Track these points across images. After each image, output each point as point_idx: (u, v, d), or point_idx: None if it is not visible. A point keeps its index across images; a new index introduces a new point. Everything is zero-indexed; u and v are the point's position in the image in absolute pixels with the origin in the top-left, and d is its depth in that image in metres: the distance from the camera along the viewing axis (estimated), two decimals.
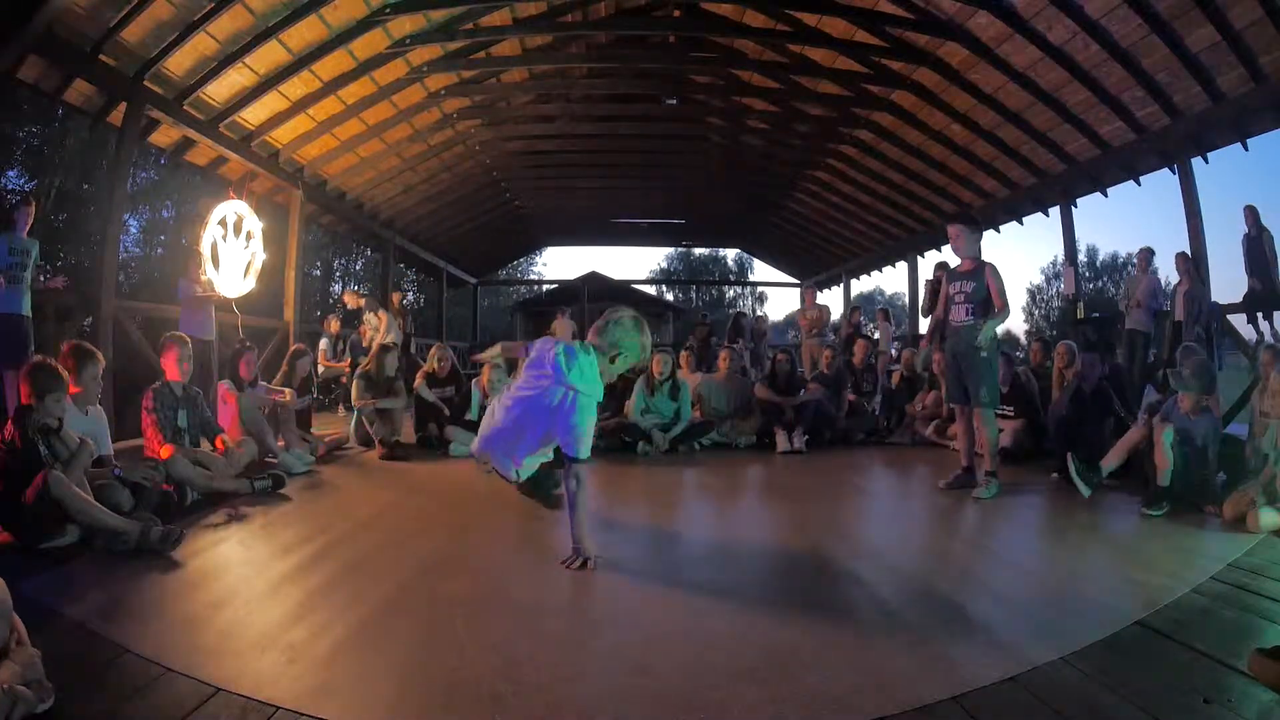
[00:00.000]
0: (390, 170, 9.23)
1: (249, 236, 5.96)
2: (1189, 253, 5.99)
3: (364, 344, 7.73)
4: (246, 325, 6.18)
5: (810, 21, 6.97)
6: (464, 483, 3.95)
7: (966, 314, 3.71)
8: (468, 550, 2.69)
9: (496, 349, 3.40)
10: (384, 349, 5.54)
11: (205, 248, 5.55)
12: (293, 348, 5.59)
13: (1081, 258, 30.40)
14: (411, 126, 8.29)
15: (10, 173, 16.29)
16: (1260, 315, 5.80)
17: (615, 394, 5.48)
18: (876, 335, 9.33)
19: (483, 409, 4.95)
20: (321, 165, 8.10)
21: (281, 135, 7.11)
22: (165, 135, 6.25)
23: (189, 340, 3.88)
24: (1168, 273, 8.84)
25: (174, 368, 3.70)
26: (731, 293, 40.61)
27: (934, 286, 7.31)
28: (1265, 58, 5.00)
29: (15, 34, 4.11)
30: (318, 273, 25.89)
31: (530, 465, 2.78)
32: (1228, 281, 6.49)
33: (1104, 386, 4.39)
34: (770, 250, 17.04)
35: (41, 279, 4.59)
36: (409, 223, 11.23)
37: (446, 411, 5.22)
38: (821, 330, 8.79)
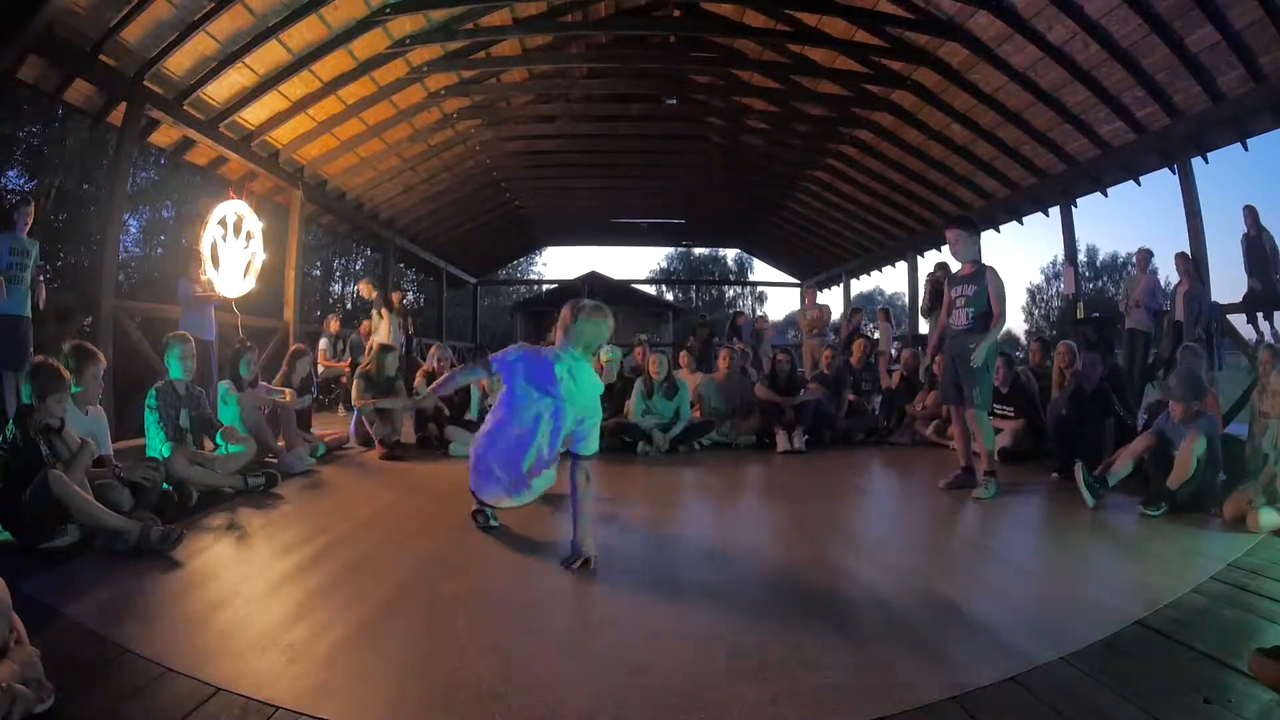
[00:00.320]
0: (390, 170, 9.23)
1: (249, 236, 5.97)
2: (1189, 253, 5.99)
3: (364, 342, 7.72)
4: (246, 325, 6.18)
5: (810, 21, 6.96)
6: (464, 483, 3.92)
7: (966, 318, 3.71)
8: (468, 550, 2.69)
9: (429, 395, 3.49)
10: (384, 349, 5.54)
11: (205, 248, 5.55)
12: (293, 348, 5.59)
13: (1081, 258, 30.40)
14: (411, 126, 8.29)
15: (10, 173, 16.30)
16: (1260, 315, 5.80)
17: (615, 394, 5.49)
18: (877, 335, 9.32)
19: (483, 410, 4.97)
20: (321, 165, 8.09)
21: (281, 135, 7.11)
22: (165, 135, 6.25)
23: (192, 339, 3.89)
24: (1168, 273, 8.85)
25: (176, 367, 3.70)
26: (731, 293, 40.61)
27: (934, 286, 7.32)
28: (1265, 58, 4.99)
29: (15, 34, 4.11)
30: (318, 273, 25.89)
31: (540, 485, 2.78)
32: (1228, 281, 6.50)
33: (1104, 386, 4.39)
34: (770, 250, 17.03)
35: (41, 279, 4.58)
36: (409, 223, 11.23)
37: (446, 411, 5.22)
38: (822, 330, 8.79)
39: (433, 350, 5.69)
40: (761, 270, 40.52)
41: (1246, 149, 5.82)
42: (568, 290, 21.82)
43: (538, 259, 35.10)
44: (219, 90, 5.98)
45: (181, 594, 2.20)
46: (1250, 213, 5.82)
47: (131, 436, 4.52)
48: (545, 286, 27.45)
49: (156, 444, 3.50)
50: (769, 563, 2.66)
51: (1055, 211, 8.00)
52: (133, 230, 18.61)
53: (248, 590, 2.21)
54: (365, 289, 7.65)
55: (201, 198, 12.32)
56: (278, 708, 1.48)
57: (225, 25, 5.27)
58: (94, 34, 4.73)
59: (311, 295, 23.28)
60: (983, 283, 3.64)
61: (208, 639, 1.83)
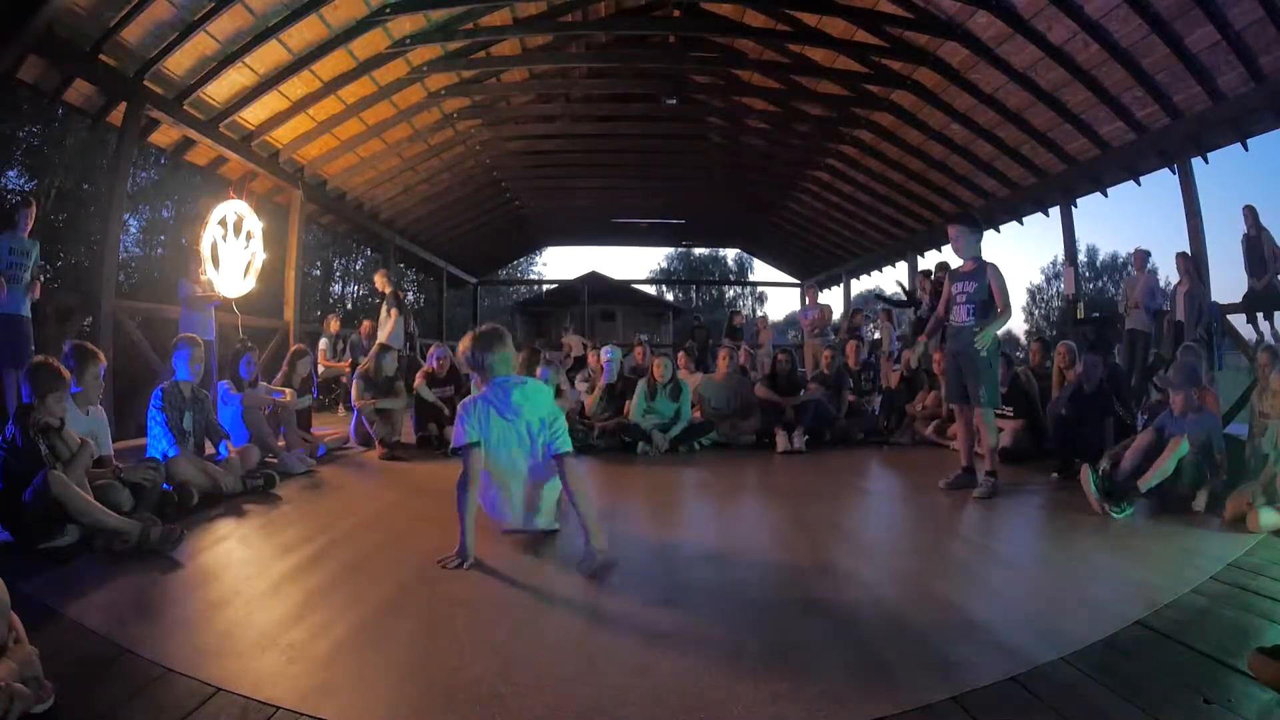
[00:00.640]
0: (390, 170, 9.23)
1: (249, 236, 5.97)
2: (1189, 253, 5.99)
3: (364, 342, 7.71)
4: (246, 325, 6.18)
5: (810, 21, 6.97)
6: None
7: (967, 315, 3.70)
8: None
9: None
10: (382, 349, 5.54)
11: (205, 248, 5.55)
12: (293, 348, 5.59)
13: (1081, 258, 30.43)
14: (411, 126, 8.29)
15: (10, 173, 16.28)
16: (1260, 315, 5.80)
17: (615, 394, 5.50)
18: (877, 335, 9.32)
19: None
20: (321, 165, 8.10)
21: (281, 135, 7.11)
22: (165, 135, 6.25)
23: (201, 341, 3.89)
24: (1168, 273, 8.85)
25: (185, 369, 3.70)
26: (731, 293, 40.62)
27: (936, 287, 7.31)
28: (1265, 58, 5.00)
29: (15, 34, 4.11)
30: (318, 273, 25.86)
31: (550, 497, 2.77)
32: (1228, 281, 6.50)
33: (1104, 387, 4.39)
34: (770, 250, 17.03)
35: (41, 278, 4.58)
36: (409, 223, 11.23)
37: (446, 411, 5.22)
38: (823, 330, 8.79)
39: (432, 350, 5.69)
40: (761, 270, 40.57)
41: (1246, 149, 5.84)
42: (568, 290, 21.84)
43: (538, 259, 35.14)
44: (219, 90, 5.98)
45: (181, 594, 2.20)
46: (1250, 213, 5.82)
47: (131, 436, 4.52)
48: (545, 286, 27.48)
49: (160, 445, 3.50)
50: (769, 563, 2.66)
51: (1055, 211, 8.00)
52: (133, 230, 18.59)
53: (248, 590, 2.21)
54: (380, 281, 7.57)
55: (201, 198, 12.31)
56: (278, 708, 1.48)
57: (225, 25, 5.27)
58: (94, 34, 4.74)
59: (311, 295, 23.27)
60: (984, 279, 3.64)
61: (208, 639, 1.83)
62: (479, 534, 2.49)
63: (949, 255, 9.82)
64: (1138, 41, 5.40)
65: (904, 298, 8.47)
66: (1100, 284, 36.35)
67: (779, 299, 60.21)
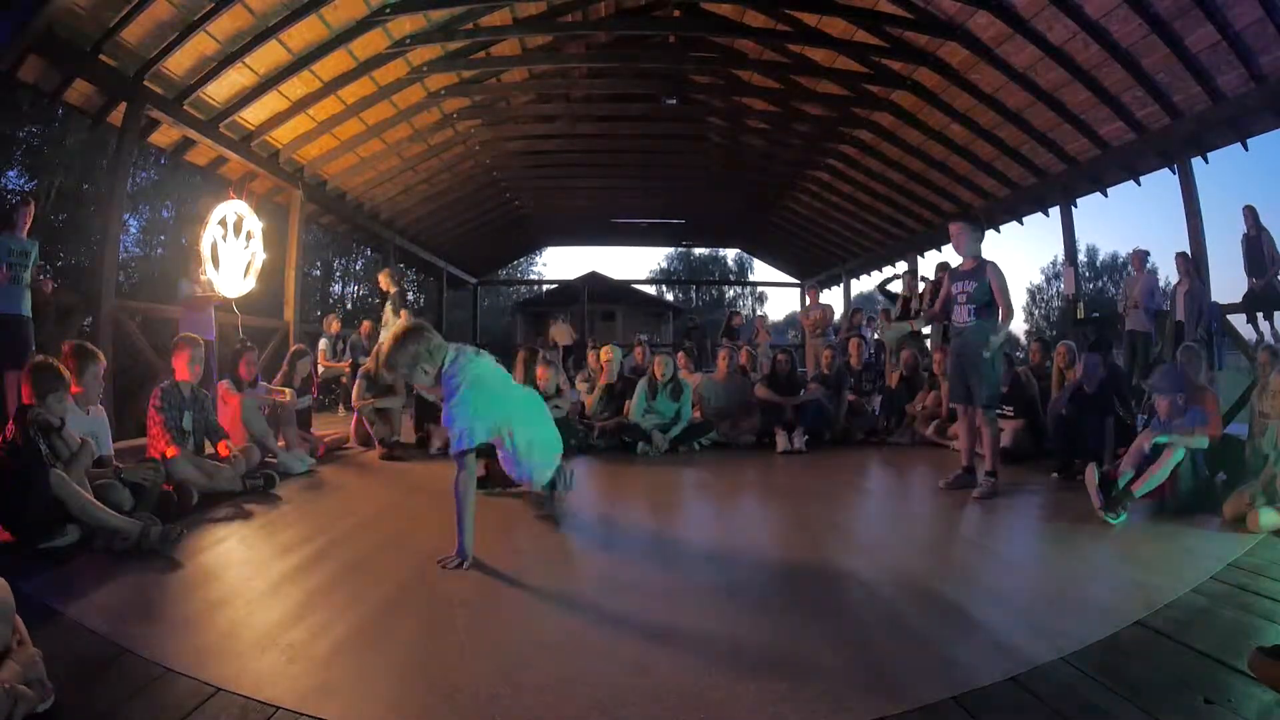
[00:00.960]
0: (390, 170, 9.23)
1: (249, 236, 5.97)
2: (1189, 253, 5.99)
3: (364, 342, 7.71)
4: (246, 325, 6.18)
5: (810, 21, 6.96)
6: None
7: (968, 314, 3.70)
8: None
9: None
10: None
11: (205, 248, 5.55)
12: (293, 348, 5.59)
13: (1081, 258, 30.41)
14: (411, 126, 8.29)
15: (10, 173, 16.29)
16: (1260, 315, 5.80)
17: (615, 394, 5.50)
18: (877, 335, 9.32)
19: None
20: (321, 165, 8.09)
21: (281, 135, 7.11)
22: (165, 135, 6.24)
23: (201, 342, 3.88)
24: (1168, 272, 8.85)
25: (184, 369, 3.70)
26: (731, 293, 40.62)
27: (935, 288, 7.31)
28: (1265, 58, 5.00)
29: (15, 34, 4.11)
30: (318, 273, 25.86)
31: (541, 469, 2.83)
32: (1228, 281, 6.50)
33: (1104, 387, 4.38)
34: (770, 250, 17.04)
35: (41, 277, 4.58)
36: (409, 223, 11.23)
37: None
38: (825, 330, 8.78)
39: None
40: (761, 270, 40.54)
41: (1246, 149, 5.83)
42: (568, 290, 21.84)
43: (538, 259, 35.15)
44: (219, 90, 5.98)
45: (181, 594, 2.20)
46: (1250, 213, 5.83)
47: (131, 436, 4.52)
48: (545, 286, 27.48)
49: (159, 444, 3.50)
50: (769, 563, 2.66)
51: (1055, 211, 8.00)
52: (133, 230, 18.59)
53: (248, 590, 2.21)
54: (385, 281, 7.55)
55: (201, 198, 12.30)
56: (278, 708, 1.48)
57: (225, 25, 5.27)
58: (94, 34, 4.73)
59: (311, 295, 23.26)
60: (984, 278, 3.63)
61: (208, 639, 1.83)
62: (478, 534, 2.48)
63: (949, 255, 9.82)
64: (1138, 41, 5.40)
65: (894, 291, 8.42)
66: (1100, 284, 36.35)
67: (779, 299, 60.15)
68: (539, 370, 4.85)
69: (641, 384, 5.32)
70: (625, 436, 5.12)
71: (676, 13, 7.71)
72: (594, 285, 20.41)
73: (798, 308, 17.98)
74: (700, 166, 11.61)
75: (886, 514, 3.71)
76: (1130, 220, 64.01)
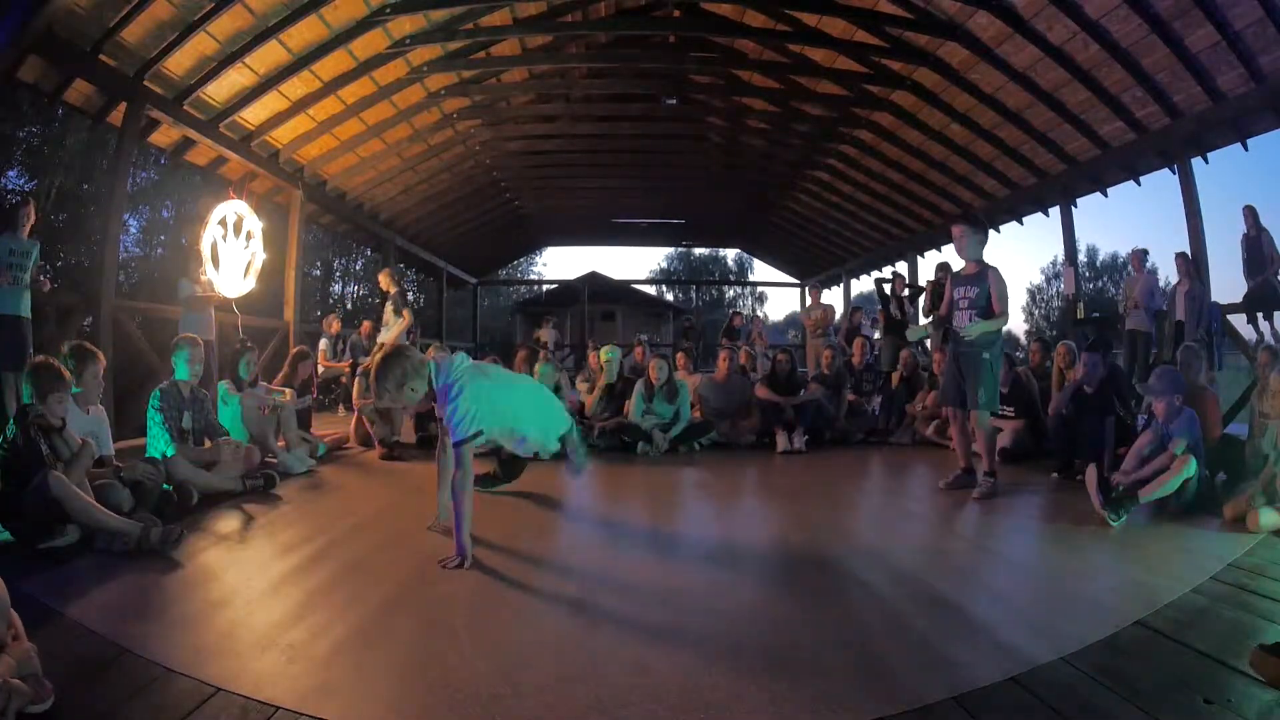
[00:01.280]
0: (390, 170, 9.23)
1: (249, 236, 5.96)
2: (1189, 253, 5.99)
3: (364, 342, 7.71)
4: (246, 325, 6.17)
5: (810, 21, 6.97)
6: None
7: (969, 319, 3.69)
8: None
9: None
10: (383, 349, 5.53)
11: (205, 248, 5.55)
12: (296, 349, 5.59)
13: (1081, 258, 30.42)
14: (411, 126, 8.29)
15: (10, 173, 16.29)
16: (1260, 315, 5.80)
17: (615, 394, 5.50)
18: (877, 335, 9.32)
19: None
20: (321, 165, 8.09)
21: (281, 135, 7.11)
22: (165, 135, 6.25)
23: (200, 341, 3.88)
24: (1167, 272, 8.85)
25: (184, 368, 3.70)
26: (731, 293, 40.62)
27: (936, 288, 7.31)
28: (1265, 58, 5.00)
29: (15, 34, 4.11)
30: (318, 273, 25.89)
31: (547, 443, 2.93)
32: (1228, 281, 6.50)
33: (1105, 387, 4.38)
34: (770, 250, 17.04)
35: (41, 277, 4.59)
36: (409, 223, 11.23)
37: None
38: (826, 330, 8.78)
39: (430, 350, 5.69)
40: (761, 270, 40.56)
41: (1246, 149, 5.83)
42: (568, 290, 21.84)
43: (538, 259, 35.18)
44: (219, 90, 5.98)
45: (181, 594, 2.20)
46: (1250, 213, 5.83)
47: (131, 436, 4.52)
48: (545, 286, 27.48)
49: (159, 444, 3.50)
50: (769, 563, 2.66)
51: (1055, 211, 8.00)
52: (133, 230, 18.61)
53: (248, 590, 2.21)
54: (385, 281, 7.55)
55: (201, 198, 12.31)
56: (278, 708, 1.48)
57: (225, 25, 5.27)
58: (94, 34, 4.73)
59: (311, 295, 23.29)
60: (985, 284, 3.62)
61: (208, 639, 1.83)
62: (478, 534, 2.48)
63: (949, 255, 9.83)
64: (1138, 41, 5.40)
65: (887, 292, 8.39)
66: (1100, 284, 36.37)
67: (779, 299, 60.24)
68: (537, 369, 4.85)
69: (639, 385, 5.32)
70: (625, 436, 5.12)
71: (676, 13, 7.71)
72: (594, 285, 20.39)
73: (798, 308, 17.99)
74: (700, 166, 11.61)
75: (886, 514, 3.71)
76: (1130, 220, 64.11)
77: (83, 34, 4.68)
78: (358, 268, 27.87)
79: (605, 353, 5.71)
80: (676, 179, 12.28)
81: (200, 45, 5.35)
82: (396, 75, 7.07)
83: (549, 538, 2.80)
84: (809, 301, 9.42)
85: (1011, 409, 5.01)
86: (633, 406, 5.27)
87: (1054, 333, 25.98)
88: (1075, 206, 7.81)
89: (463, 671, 1.65)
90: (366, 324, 8.10)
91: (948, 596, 2.19)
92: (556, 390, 4.93)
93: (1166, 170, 6.42)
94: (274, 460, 4.15)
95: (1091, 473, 3.29)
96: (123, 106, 5.35)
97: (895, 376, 6.20)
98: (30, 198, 6.07)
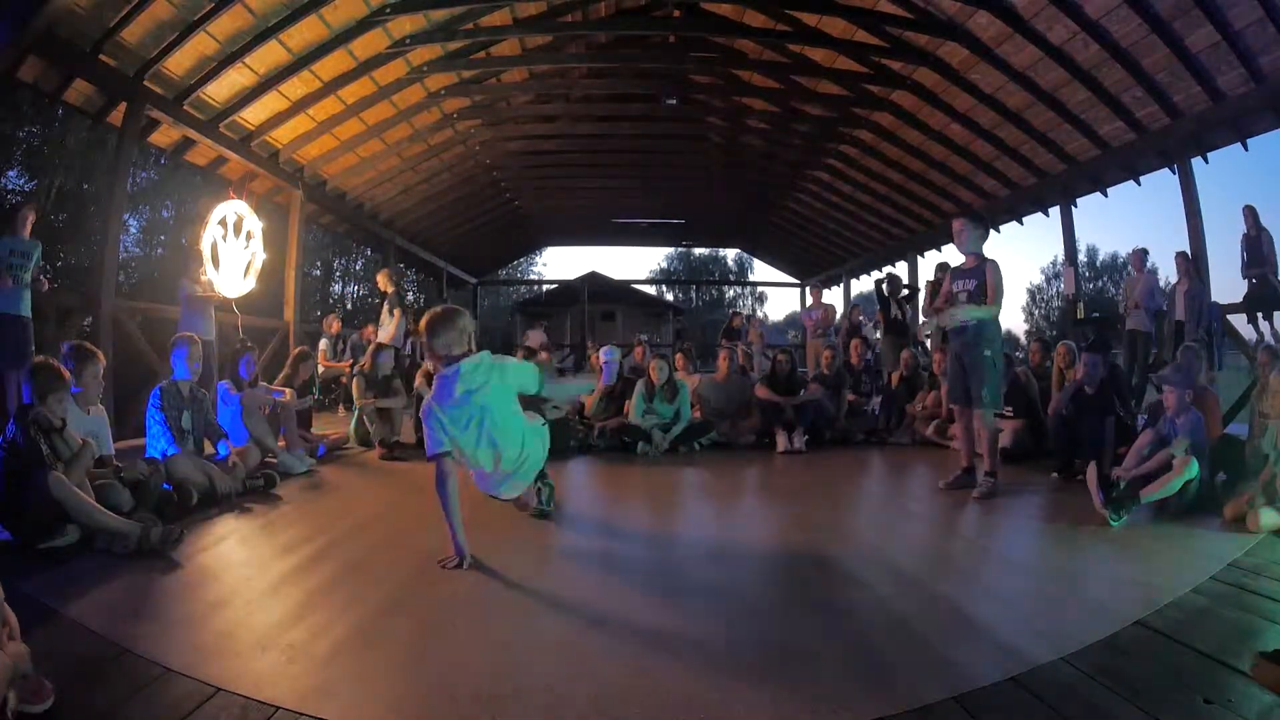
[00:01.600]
0: (390, 170, 9.23)
1: (249, 236, 5.96)
2: (1189, 253, 5.99)
3: (365, 343, 7.71)
4: (246, 325, 6.17)
5: (810, 21, 6.97)
6: (463, 482, 3.94)
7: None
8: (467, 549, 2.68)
9: None
10: (379, 348, 5.54)
11: (205, 248, 5.55)
12: (297, 350, 5.59)
13: (1081, 258, 30.43)
14: (411, 126, 8.30)
15: (10, 173, 16.31)
16: (1260, 315, 5.80)
17: (615, 394, 5.50)
18: (877, 335, 9.31)
19: None
20: (321, 165, 8.10)
21: (281, 135, 7.11)
22: (165, 135, 6.25)
23: (199, 340, 3.88)
24: (1167, 272, 8.85)
25: (183, 367, 3.70)
26: (731, 293, 40.62)
27: (935, 288, 7.31)
28: (1265, 58, 5.00)
29: (15, 34, 4.11)
30: (318, 273, 25.90)
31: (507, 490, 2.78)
32: (1228, 281, 6.50)
33: (1105, 387, 4.38)
34: (770, 250, 17.04)
35: (41, 277, 4.59)
36: (409, 223, 11.23)
37: None
38: (827, 330, 8.78)
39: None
40: (761, 270, 40.54)
41: (1246, 149, 5.84)
42: (568, 290, 21.85)
43: (538, 259, 35.19)
44: (219, 90, 5.98)
45: (181, 594, 2.20)
46: (1250, 213, 5.83)
47: (131, 436, 4.52)
48: (545, 286, 27.49)
49: (159, 444, 3.50)
50: (769, 563, 2.66)
51: (1055, 211, 8.00)
52: (133, 230, 18.63)
53: (248, 590, 2.20)
54: (383, 281, 7.57)
55: (201, 198, 12.33)
56: (278, 708, 1.48)
57: (225, 25, 5.28)
58: (94, 34, 4.74)
59: (311, 295, 23.29)
60: (983, 276, 3.63)
61: (208, 639, 1.83)
62: (478, 534, 2.48)
63: (949, 255, 9.84)
64: (1138, 41, 5.40)
65: (885, 293, 8.37)
66: (1100, 284, 36.38)
67: (779, 299, 60.21)
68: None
69: (639, 386, 5.32)
70: (625, 436, 5.12)
71: (676, 13, 7.72)
72: (594, 285, 20.40)
73: (798, 308, 17.98)
74: (700, 166, 11.61)
75: (886, 514, 3.71)
76: (1130, 220, 64.08)
77: (83, 34, 4.68)
78: (358, 268, 27.89)
79: (605, 354, 5.70)
80: (676, 179, 12.29)
81: (200, 45, 5.35)
82: (396, 75, 7.07)
83: (549, 538, 2.80)
84: (809, 301, 9.42)
85: (1011, 409, 5.01)
86: (633, 407, 5.27)
87: (1054, 333, 25.98)
88: (1075, 206, 7.81)
89: (463, 671, 1.65)
90: (369, 327, 8.11)
91: (948, 596, 2.19)
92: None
93: (1166, 170, 6.42)
94: (274, 460, 4.15)
95: (1093, 472, 3.29)
96: (123, 106, 5.35)
97: (895, 376, 6.20)
98: (31, 198, 6.06)
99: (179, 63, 5.42)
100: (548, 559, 2.59)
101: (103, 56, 4.89)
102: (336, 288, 28.21)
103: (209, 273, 5.51)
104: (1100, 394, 4.30)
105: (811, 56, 7.61)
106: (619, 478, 4.37)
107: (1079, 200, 7.81)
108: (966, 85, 6.84)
